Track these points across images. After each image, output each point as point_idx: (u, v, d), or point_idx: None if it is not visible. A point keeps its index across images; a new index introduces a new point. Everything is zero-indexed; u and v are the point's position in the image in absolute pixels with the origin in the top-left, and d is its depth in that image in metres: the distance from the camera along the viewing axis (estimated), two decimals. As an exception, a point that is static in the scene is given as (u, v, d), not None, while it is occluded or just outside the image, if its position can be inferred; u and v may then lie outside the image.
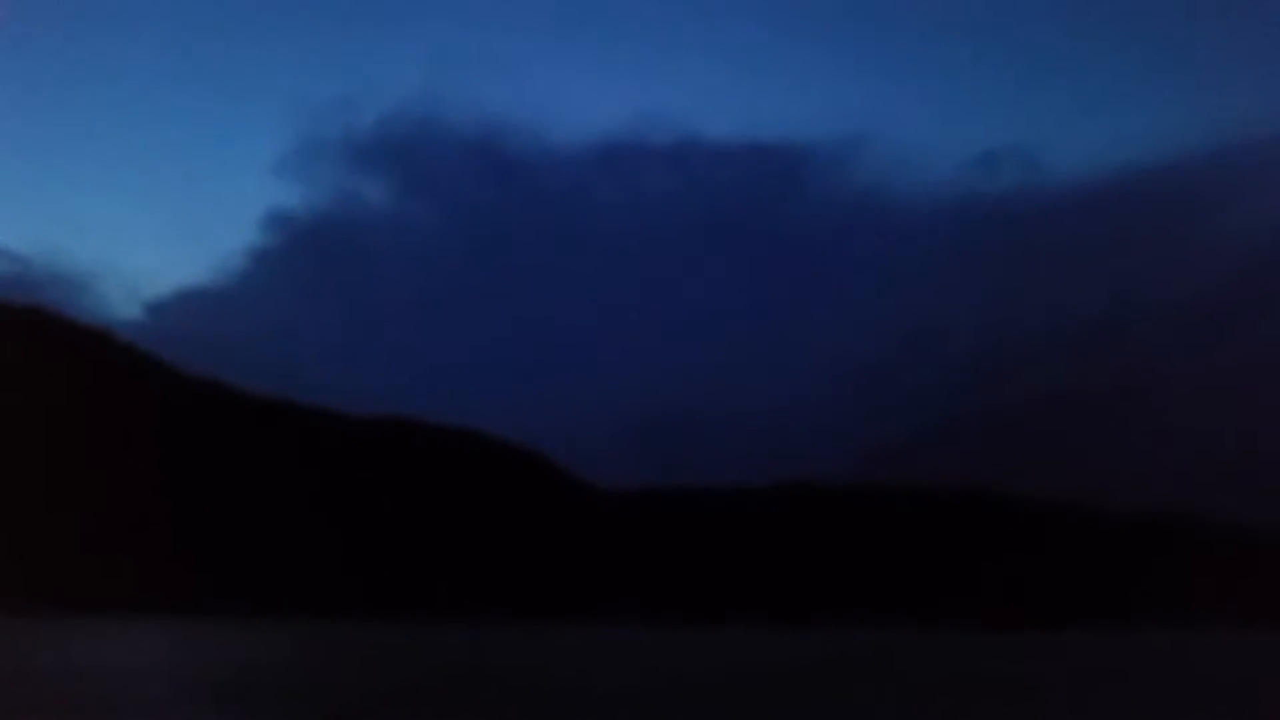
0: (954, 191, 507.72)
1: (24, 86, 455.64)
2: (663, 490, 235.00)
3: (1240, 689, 50.00)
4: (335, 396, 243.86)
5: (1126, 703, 41.44)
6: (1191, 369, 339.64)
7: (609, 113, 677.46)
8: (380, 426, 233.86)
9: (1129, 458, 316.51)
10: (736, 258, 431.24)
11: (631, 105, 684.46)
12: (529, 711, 34.31)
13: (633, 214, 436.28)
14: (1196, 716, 36.11)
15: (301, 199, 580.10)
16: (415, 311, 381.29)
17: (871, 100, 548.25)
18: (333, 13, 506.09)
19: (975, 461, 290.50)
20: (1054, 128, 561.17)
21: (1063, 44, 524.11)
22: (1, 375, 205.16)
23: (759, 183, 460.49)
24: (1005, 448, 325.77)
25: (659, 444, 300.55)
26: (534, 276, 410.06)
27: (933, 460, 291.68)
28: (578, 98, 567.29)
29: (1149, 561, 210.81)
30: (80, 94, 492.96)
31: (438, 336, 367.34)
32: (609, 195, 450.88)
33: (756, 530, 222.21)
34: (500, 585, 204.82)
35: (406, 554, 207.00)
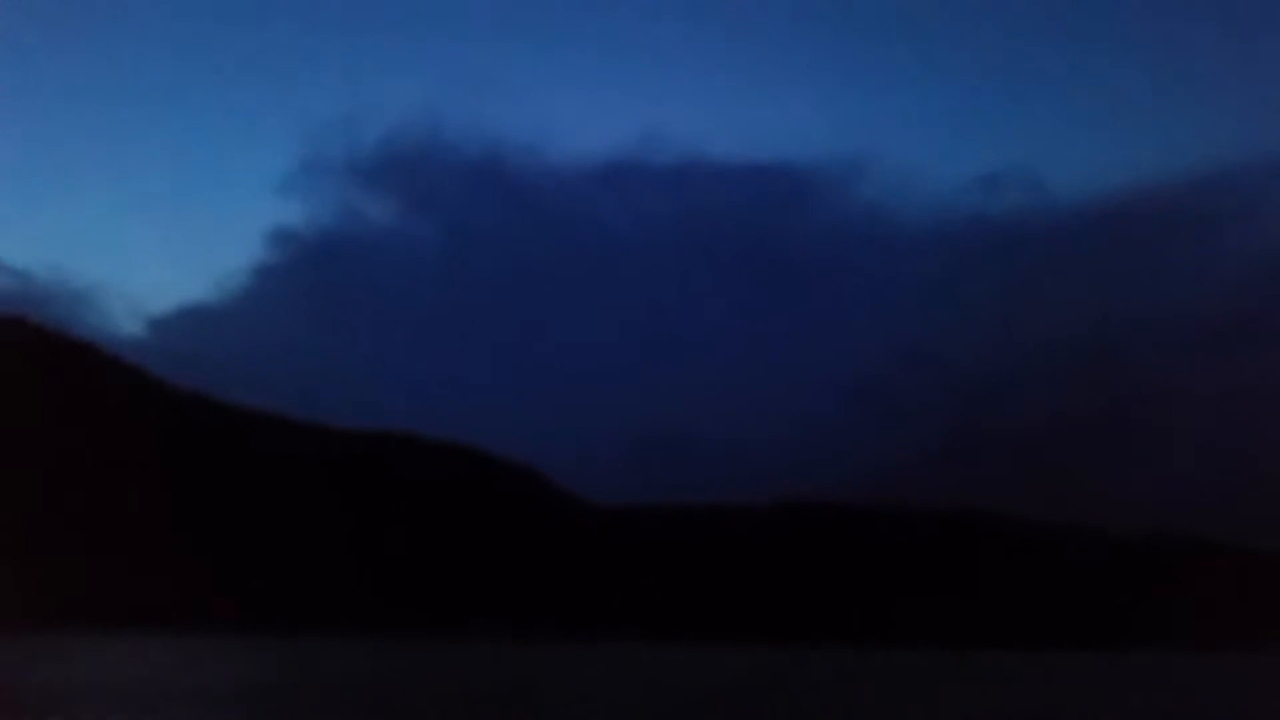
0: (957, 212, 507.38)
1: (26, 101, 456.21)
2: (659, 507, 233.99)
3: (1242, 711, 49.30)
4: (334, 413, 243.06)
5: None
6: (1194, 390, 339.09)
7: (611, 132, 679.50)
8: (375, 442, 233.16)
9: (1129, 479, 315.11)
10: (737, 276, 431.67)
11: (634, 125, 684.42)
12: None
13: (635, 233, 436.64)
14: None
15: (304, 217, 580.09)
16: (415, 328, 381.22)
17: (874, 121, 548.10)
18: (336, 31, 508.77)
19: (975, 482, 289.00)
20: (1057, 149, 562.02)
21: (1067, 65, 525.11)
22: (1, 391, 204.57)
23: (761, 202, 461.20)
24: (1005, 468, 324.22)
25: (656, 461, 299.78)
26: (534, 294, 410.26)
27: (932, 480, 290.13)
28: (580, 117, 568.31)
29: (1150, 582, 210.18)
30: (83, 110, 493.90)
31: (438, 353, 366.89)
32: (611, 214, 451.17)
33: (753, 548, 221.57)
34: (495, 601, 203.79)
35: (400, 569, 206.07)
